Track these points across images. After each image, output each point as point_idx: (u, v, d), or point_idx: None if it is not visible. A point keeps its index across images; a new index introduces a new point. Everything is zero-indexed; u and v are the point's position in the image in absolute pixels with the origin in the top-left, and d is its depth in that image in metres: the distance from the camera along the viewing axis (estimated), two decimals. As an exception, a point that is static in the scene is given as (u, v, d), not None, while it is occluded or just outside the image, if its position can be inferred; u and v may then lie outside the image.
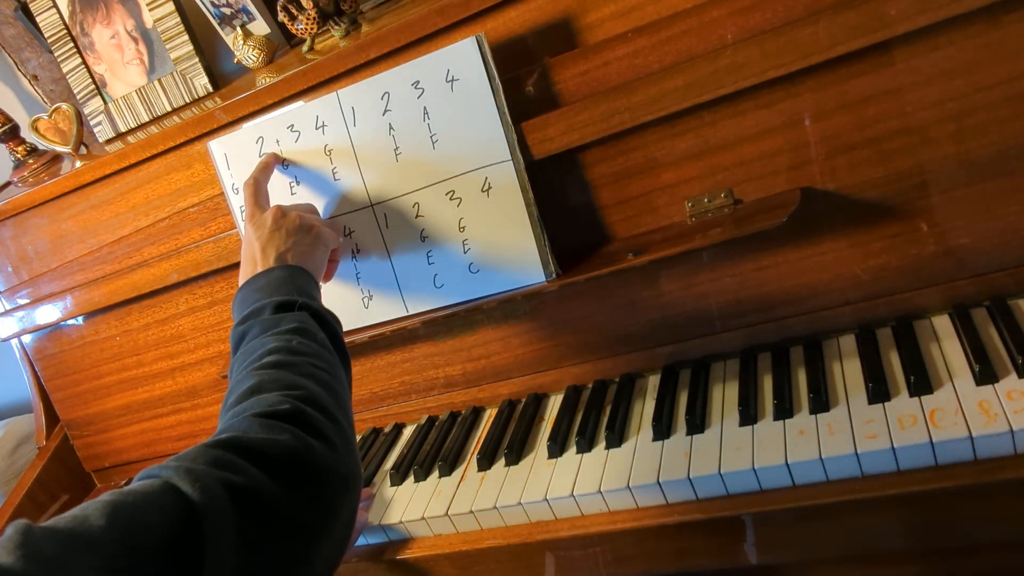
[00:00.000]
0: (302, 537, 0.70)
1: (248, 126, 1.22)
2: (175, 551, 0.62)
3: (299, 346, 0.86)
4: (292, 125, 1.18)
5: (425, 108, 1.10)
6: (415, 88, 1.10)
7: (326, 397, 0.81)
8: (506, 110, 1.06)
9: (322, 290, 1.23)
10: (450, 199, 1.12)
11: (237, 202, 1.24)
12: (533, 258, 1.10)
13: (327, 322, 0.93)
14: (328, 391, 0.82)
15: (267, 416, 0.75)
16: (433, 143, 1.11)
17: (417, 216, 1.14)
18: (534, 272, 1.10)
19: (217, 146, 1.24)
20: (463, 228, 1.13)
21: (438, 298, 1.17)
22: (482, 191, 1.10)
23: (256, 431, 0.73)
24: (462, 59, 1.06)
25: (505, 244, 1.11)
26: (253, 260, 1.02)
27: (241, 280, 1.02)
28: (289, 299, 0.92)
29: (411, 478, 1.19)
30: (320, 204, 1.19)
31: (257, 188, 1.12)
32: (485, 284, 1.14)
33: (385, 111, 1.12)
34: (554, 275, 1.10)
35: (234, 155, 1.23)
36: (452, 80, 1.08)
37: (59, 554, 0.58)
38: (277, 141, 1.19)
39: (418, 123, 1.11)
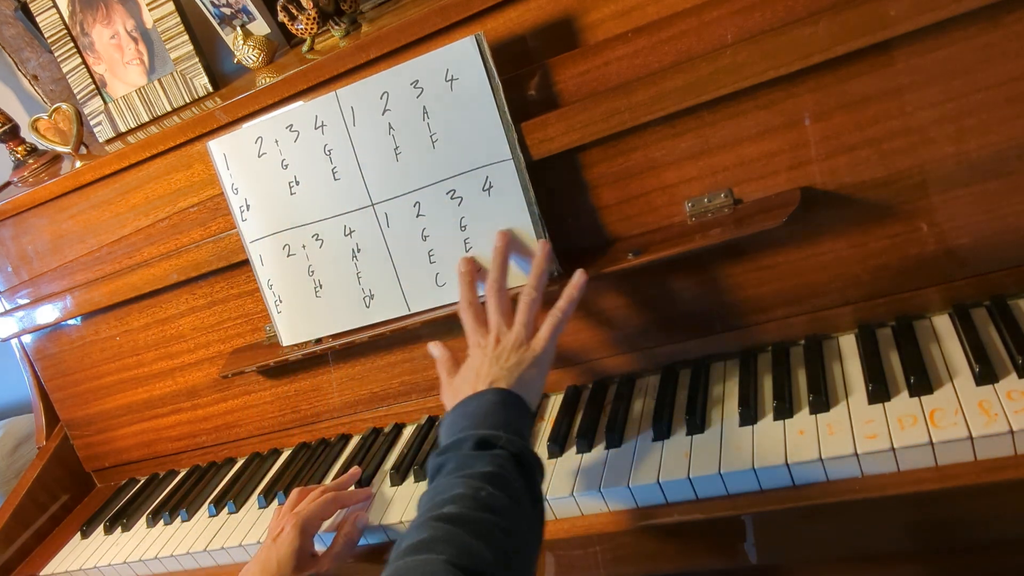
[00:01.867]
0: None
1: (248, 126, 1.22)
2: None
3: (487, 497, 0.79)
4: (292, 125, 1.18)
5: (425, 108, 1.10)
6: (415, 88, 1.10)
7: (495, 567, 0.74)
8: (506, 110, 1.06)
9: (324, 289, 1.24)
10: (451, 198, 1.12)
11: (237, 202, 1.24)
12: (533, 258, 1.10)
13: (526, 467, 0.86)
14: (501, 559, 0.76)
15: None
16: (433, 143, 1.11)
17: (418, 215, 1.14)
18: (534, 272, 1.10)
19: (217, 146, 1.24)
20: (464, 227, 1.13)
21: (440, 297, 1.17)
22: (483, 190, 1.10)
23: None
24: (462, 59, 1.06)
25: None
26: (466, 381, 0.97)
27: (449, 401, 0.99)
28: (492, 435, 0.86)
29: (411, 478, 1.19)
30: (320, 204, 1.19)
31: (496, 306, 1.03)
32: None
33: (385, 111, 1.12)
34: (554, 275, 1.10)
35: (234, 155, 1.23)
36: (452, 80, 1.08)
37: None
38: (277, 141, 1.19)
39: (418, 123, 1.11)
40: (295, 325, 1.27)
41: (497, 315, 1.02)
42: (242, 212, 1.24)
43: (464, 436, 0.87)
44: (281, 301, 1.26)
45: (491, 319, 1.02)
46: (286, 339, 1.28)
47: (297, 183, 1.20)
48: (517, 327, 1.00)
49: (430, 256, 1.15)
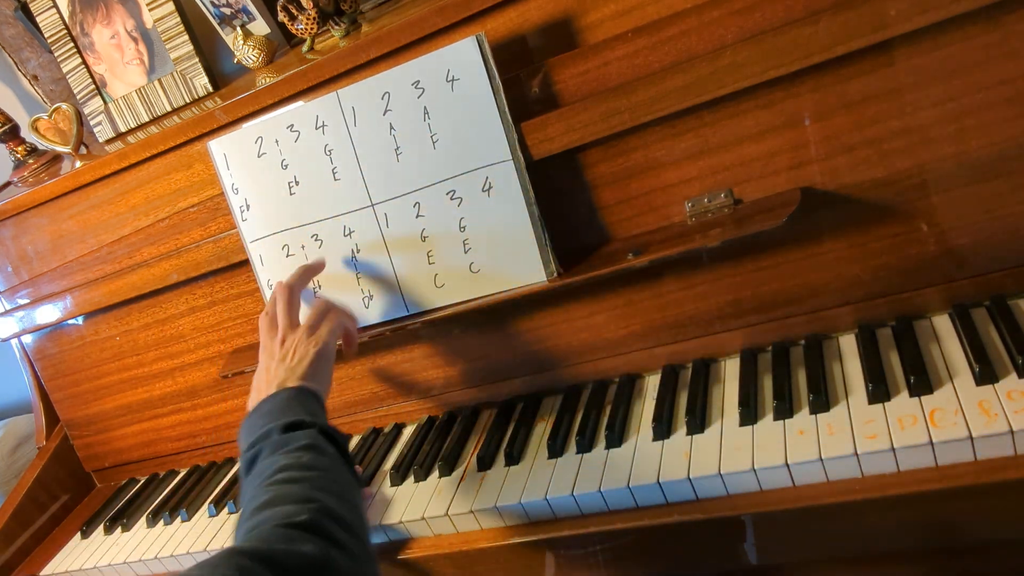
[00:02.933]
0: None
1: (248, 126, 1.22)
2: None
3: (310, 461, 0.88)
4: (292, 125, 1.18)
5: (425, 108, 1.10)
6: (415, 88, 1.10)
7: (340, 509, 0.82)
8: (506, 110, 1.06)
9: (324, 290, 1.24)
10: (450, 199, 1.12)
11: (237, 202, 1.24)
12: (534, 258, 1.10)
13: (335, 440, 0.95)
14: (342, 503, 0.83)
15: (287, 526, 0.76)
16: (433, 143, 1.11)
17: (417, 216, 1.14)
18: (535, 272, 1.10)
19: (217, 146, 1.24)
20: (464, 228, 1.13)
21: (438, 298, 1.17)
22: (483, 191, 1.10)
23: (277, 541, 0.75)
24: (462, 59, 1.06)
25: (506, 244, 1.11)
26: (258, 389, 1.05)
27: (250, 406, 1.04)
28: (297, 419, 0.94)
29: (411, 478, 1.19)
30: (320, 204, 1.19)
31: (284, 308, 1.12)
32: (486, 284, 1.14)
33: (385, 111, 1.12)
34: (555, 275, 1.10)
35: (234, 155, 1.23)
36: (452, 80, 1.08)
37: None
38: (277, 141, 1.19)
39: (418, 123, 1.11)
40: (295, 325, 1.27)
41: (285, 318, 1.10)
42: (242, 212, 1.24)
43: (269, 428, 0.94)
44: (281, 301, 1.26)
45: (280, 321, 1.11)
46: (286, 339, 1.28)
47: (297, 183, 1.20)
48: (301, 327, 1.09)
49: (429, 257, 1.15)
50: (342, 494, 0.85)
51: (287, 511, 0.79)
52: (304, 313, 1.15)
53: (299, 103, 1.19)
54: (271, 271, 1.25)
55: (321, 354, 1.06)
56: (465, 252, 1.13)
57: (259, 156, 1.21)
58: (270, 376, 1.04)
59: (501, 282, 1.13)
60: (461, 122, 1.09)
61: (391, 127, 1.12)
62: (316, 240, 1.21)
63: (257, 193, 1.23)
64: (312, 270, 1.20)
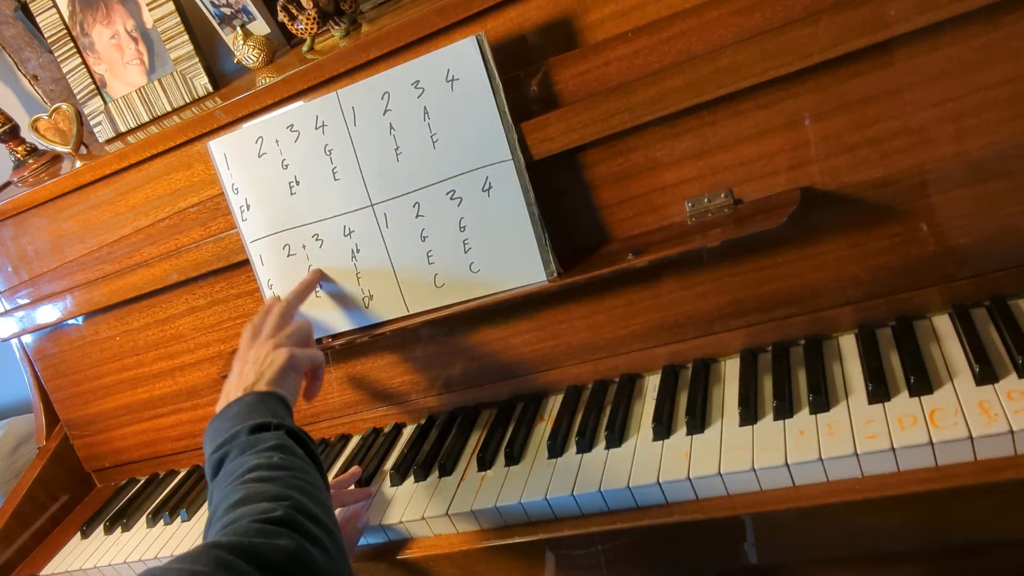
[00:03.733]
0: None
1: (248, 126, 1.22)
2: None
3: (280, 461, 0.89)
4: (292, 125, 1.18)
5: (425, 108, 1.10)
6: (415, 88, 1.10)
7: (313, 506, 0.84)
8: (506, 110, 1.06)
9: (324, 289, 1.24)
10: (450, 199, 1.12)
11: (237, 202, 1.24)
12: (534, 258, 1.10)
13: (302, 440, 0.96)
14: (314, 501, 0.86)
15: (262, 522, 0.79)
16: (433, 143, 1.11)
17: (417, 216, 1.14)
18: (535, 272, 1.11)
19: (217, 146, 1.24)
20: (463, 228, 1.13)
21: (438, 298, 1.17)
22: (483, 191, 1.10)
23: (254, 535, 0.77)
24: (462, 59, 1.06)
25: (506, 244, 1.11)
26: (226, 394, 1.05)
27: (218, 409, 1.04)
28: (264, 421, 0.95)
29: (411, 478, 1.19)
30: (320, 204, 1.19)
31: (274, 323, 1.12)
32: (486, 284, 1.14)
33: (385, 111, 1.12)
34: (555, 275, 1.10)
35: (234, 155, 1.23)
36: (452, 80, 1.08)
37: None
38: (277, 141, 1.19)
39: (418, 123, 1.11)
40: (295, 325, 1.27)
41: (271, 331, 1.11)
42: (242, 212, 1.25)
43: (237, 429, 0.95)
44: (281, 301, 1.26)
45: (264, 333, 1.11)
46: (286, 339, 1.28)
47: (297, 183, 1.20)
48: (277, 337, 1.09)
49: (429, 257, 1.15)
50: (313, 493, 0.87)
51: (262, 507, 0.81)
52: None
53: (299, 103, 1.20)
54: (271, 271, 1.25)
55: (292, 363, 1.06)
56: (465, 252, 1.13)
57: (259, 156, 1.21)
58: (240, 380, 1.04)
59: (501, 282, 1.13)
60: (461, 122, 1.09)
61: (391, 127, 1.12)
62: (316, 240, 1.21)
63: (257, 193, 1.23)
64: (309, 287, 1.21)
